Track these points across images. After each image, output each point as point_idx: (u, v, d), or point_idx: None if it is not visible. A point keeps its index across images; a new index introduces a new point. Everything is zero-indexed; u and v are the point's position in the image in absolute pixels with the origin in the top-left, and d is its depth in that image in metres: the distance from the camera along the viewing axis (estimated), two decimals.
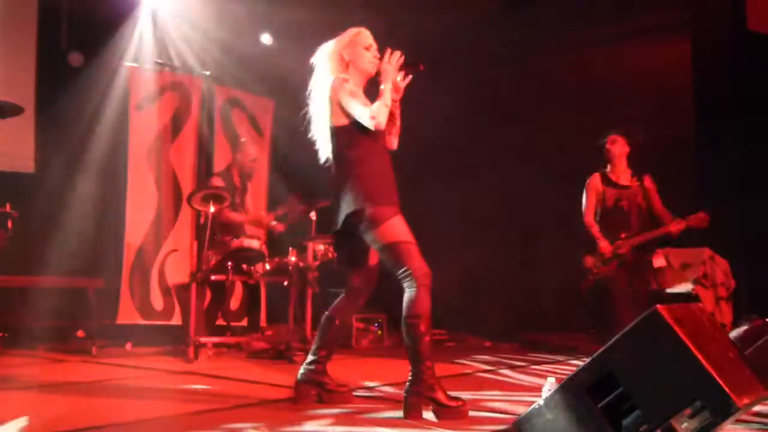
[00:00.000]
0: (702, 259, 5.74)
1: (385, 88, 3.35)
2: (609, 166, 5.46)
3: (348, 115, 3.36)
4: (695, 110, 7.15)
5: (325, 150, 3.54)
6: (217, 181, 5.99)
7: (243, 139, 6.84)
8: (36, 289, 5.78)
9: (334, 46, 3.52)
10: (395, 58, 3.38)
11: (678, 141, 7.10)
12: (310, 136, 3.59)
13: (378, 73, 3.43)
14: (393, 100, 3.39)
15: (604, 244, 5.27)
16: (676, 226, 5.15)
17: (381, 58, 3.43)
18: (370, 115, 3.28)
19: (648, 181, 5.40)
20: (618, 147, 5.42)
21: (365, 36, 3.52)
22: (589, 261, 5.34)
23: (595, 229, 5.35)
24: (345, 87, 3.35)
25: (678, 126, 7.20)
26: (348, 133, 3.38)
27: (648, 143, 5.73)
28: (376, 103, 3.31)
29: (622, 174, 5.42)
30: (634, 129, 5.63)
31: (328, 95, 3.39)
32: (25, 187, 6.16)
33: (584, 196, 5.48)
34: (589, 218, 5.42)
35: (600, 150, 5.50)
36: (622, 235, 5.28)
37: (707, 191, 6.76)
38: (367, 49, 3.49)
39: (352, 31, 3.54)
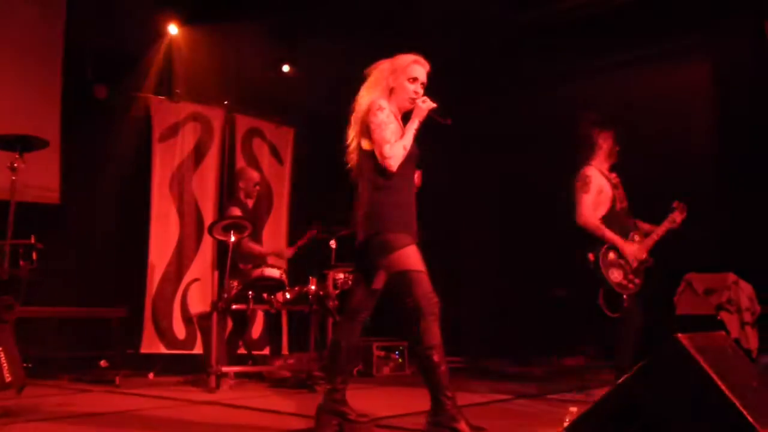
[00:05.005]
0: (726, 284, 5.65)
1: (410, 128, 3.33)
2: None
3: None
4: (720, 132, 7.11)
5: (352, 160, 3.49)
6: (236, 211, 6.02)
7: (240, 166, 6.94)
8: (60, 320, 5.84)
9: (387, 66, 3.47)
10: (429, 103, 3.36)
11: (703, 163, 7.05)
12: (343, 143, 3.52)
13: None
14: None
15: (631, 250, 4.51)
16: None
17: (419, 96, 3.39)
18: (386, 154, 3.26)
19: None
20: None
21: (416, 67, 3.43)
22: (615, 275, 4.44)
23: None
24: (377, 115, 3.31)
25: (702, 147, 7.15)
26: (375, 158, 3.33)
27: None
28: (396, 144, 3.28)
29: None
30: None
31: (363, 117, 3.39)
32: (50, 219, 6.24)
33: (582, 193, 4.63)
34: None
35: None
36: (636, 238, 4.59)
37: (734, 213, 6.68)
38: (412, 81, 3.41)
39: (406, 58, 3.44)
